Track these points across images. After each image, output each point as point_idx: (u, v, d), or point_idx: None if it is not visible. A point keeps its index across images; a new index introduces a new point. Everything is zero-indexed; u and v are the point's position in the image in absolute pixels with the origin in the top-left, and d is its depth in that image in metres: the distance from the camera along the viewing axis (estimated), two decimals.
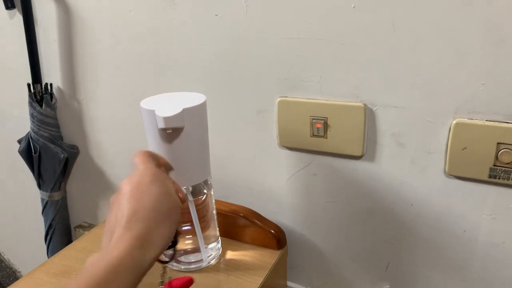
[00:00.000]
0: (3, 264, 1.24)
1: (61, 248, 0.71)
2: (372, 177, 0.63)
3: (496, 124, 0.53)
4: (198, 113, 0.56)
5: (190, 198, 0.61)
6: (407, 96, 0.57)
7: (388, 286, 0.69)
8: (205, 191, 0.63)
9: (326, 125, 0.63)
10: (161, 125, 0.53)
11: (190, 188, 0.61)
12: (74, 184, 0.96)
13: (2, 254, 1.24)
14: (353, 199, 0.66)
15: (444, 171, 0.58)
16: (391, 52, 0.56)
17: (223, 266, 0.66)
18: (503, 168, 0.54)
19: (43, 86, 0.86)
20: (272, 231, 0.69)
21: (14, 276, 1.25)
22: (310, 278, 0.76)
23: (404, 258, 0.66)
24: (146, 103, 0.56)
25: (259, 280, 0.62)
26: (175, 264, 0.65)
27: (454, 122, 0.55)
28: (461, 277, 0.63)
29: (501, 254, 0.59)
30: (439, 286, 0.65)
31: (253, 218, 0.70)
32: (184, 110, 0.54)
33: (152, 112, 0.54)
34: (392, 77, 0.57)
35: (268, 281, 0.64)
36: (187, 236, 0.64)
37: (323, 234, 0.71)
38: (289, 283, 0.76)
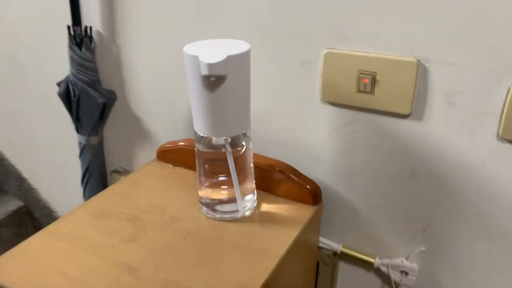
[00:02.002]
0: (40, 203, 1.29)
1: (97, 192, 0.72)
2: (418, 137, 0.61)
3: None
4: (242, 61, 0.54)
5: (228, 149, 0.60)
6: (466, 53, 0.54)
7: (423, 248, 0.68)
8: (243, 143, 0.62)
9: (374, 81, 0.60)
10: (205, 71, 0.52)
11: (229, 139, 0.60)
12: (111, 130, 0.97)
13: (40, 194, 1.29)
14: (396, 159, 0.64)
15: (497, 135, 0.55)
16: (450, 3, 0.52)
17: (258, 218, 0.66)
18: None
19: (82, 29, 0.86)
20: (308, 187, 0.68)
21: (51, 215, 1.30)
22: (343, 236, 0.75)
23: (444, 223, 0.64)
24: (190, 49, 0.55)
25: (294, 233, 0.62)
26: (210, 212, 0.65)
27: None
28: (502, 245, 0.61)
29: None
30: (477, 252, 0.64)
31: (289, 172, 0.69)
32: (229, 58, 0.52)
33: (195, 58, 0.53)
34: (451, 31, 0.53)
35: (302, 236, 0.64)
36: (223, 187, 0.64)
37: (360, 193, 0.70)
38: (322, 239, 0.76)
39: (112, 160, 1.01)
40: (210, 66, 0.51)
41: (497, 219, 0.60)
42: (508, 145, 0.55)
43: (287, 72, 0.68)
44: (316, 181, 0.71)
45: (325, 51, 0.62)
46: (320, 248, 0.77)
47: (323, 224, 0.76)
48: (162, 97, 0.84)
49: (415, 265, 0.69)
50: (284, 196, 0.70)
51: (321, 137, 0.69)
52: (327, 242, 0.76)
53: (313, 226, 0.69)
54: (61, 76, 0.94)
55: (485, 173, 0.58)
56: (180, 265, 0.56)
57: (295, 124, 0.71)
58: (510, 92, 0.52)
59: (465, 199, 0.61)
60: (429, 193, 0.64)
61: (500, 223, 0.60)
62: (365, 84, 0.61)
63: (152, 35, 0.79)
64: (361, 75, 0.60)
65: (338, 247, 0.75)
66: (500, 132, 0.54)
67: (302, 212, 0.67)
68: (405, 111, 0.59)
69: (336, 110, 0.66)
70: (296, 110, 0.70)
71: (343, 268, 0.79)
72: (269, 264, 0.56)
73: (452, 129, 0.58)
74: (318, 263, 0.79)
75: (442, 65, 0.56)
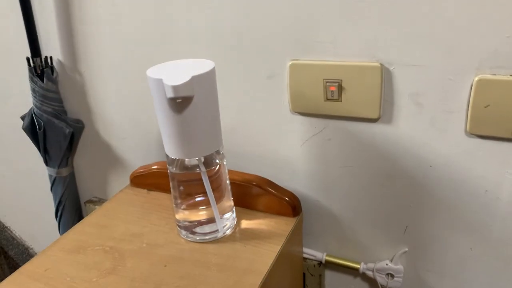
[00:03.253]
0: (15, 241, 1.25)
1: (72, 224, 0.70)
2: (389, 140, 0.61)
3: None
4: (207, 80, 0.54)
5: (203, 169, 0.59)
6: (426, 54, 0.54)
7: (406, 249, 0.68)
8: (217, 161, 0.61)
9: (340, 88, 0.60)
10: (170, 94, 0.51)
11: (202, 159, 0.59)
12: (82, 159, 0.95)
13: (14, 232, 1.24)
14: (370, 163, 0.64)
15: (465, 131, 0.56)
16: (408, 6, 0.53)
17: (239, 235, 0.65)
18: None
19: (43, 60, 0.84)
20: (287, 199, 0.68)
21: (27, 253, 1.25)
22: (326, 244, 0.75)
23: (423, 221, 0.65)
24: (153, 72, 0.54)
25: (277, 248, 0.61)
26: (190, 235, 0.64)
27: (477, 78, 0.53)
28: (480, 238, 0.62)
29: None
30: (458, 248, 0.64)
31: (266, 186, 0.69)
32: (194, 78, 0.51)
33: (159, 81, 0.52)
34: (410, 34, 0.54)
35: (286, 249, 0.63)
36: (201, 207, 0.63)
37: (338, 200, 0.70)
38: (306, 250, 0.76)
39: (86, 190, 0.99)
40: (175, 88, 0.50)
41: (473, 212, 0.61)
42: (476, 139, 0.56)
43: (254, 86, 0.67)
44: (294, 192, 0.70)
45: (290, 62, 0.62)
46: (305, 259, 0.77)
47: (306, 235, 0.76)
48: (131, 121, 0.83)
49: (400, 267, 0.69)
50: (264, 210, 0.69)
51: (294, 148, 0.69)
52: (311, 252, 0.76)
53: (295, 238, 0.69)
54: (25, 109, 0.91)
55: (457, 169, 0.59)
56: None
57: (268, 137, 0.70)
58: (472, 88, 0.53)
59: (441, 196, 0.62)
60: (406, 194, 0.64)
61: (477, 216, 0.61)
62: (332, 92, 0.61)
63: (116, 60, 0.78)
64: (328, 84, 0.61)
65: (322, 256, 0.75)
66: (468, 127, 0.55)
67: (283, 225, 0.66)
68: (374, 115, 0.60)
69: (306, 119, 0.66)
70: (267, 123, 0.69)
71: (329, 276, 0.78)
72: (254, 283, 0.55)
73: (421, 129, 0.59)
74: (304, 275, 0.78)
75: (405, 67, 0.56)
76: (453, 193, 0.61)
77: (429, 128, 0.58)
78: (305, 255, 0.76)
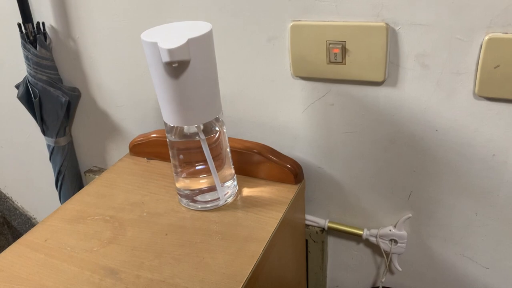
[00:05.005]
0: (17, 211, 1.25)
1: (73, 193, 0.69)
2: (394, 104, 0.59)
3: None
4: (204, 43, 0.51)
5: (202, 136, 0.58)
6: (433, 12, 0.52)
7: (410, 215, 0.67)
8: (217, 128, 0.60)
9: (344, 50, 0.58)
10: (166, 58, 0.49)
11: (202, 126, 0.57)
12: (80, 128, 0.93)
13: (16, 202, 1.24)
14: (374, 128, 0.63)
15: (473, 93, 0.54)
16: None
17: (240, 203, 0.64)
18: None
19: (34, 26, 0.81)
20: (289, 166, 0.66)
21: (29, 222, 1.26)
22: (328, 211, 0.74)
23: (428, 187, 0.64)
24: (148, 35, 0.52)
25: (279, 215, 0.60)
26: (191, 204, 0.63)
27: (487, 37, 0.50)
28: (487, 203, 0.61)
29: None
30: (463, 213, 0.63)
31: (268, 153, 0.67)
32: (190, 41, 0.49)
33: (154, 45, 0.49)
34: None
35: (288, 216, 0.62)
36: (202, 176, 0.62)
37: (341, 166, 0.69)
38: (308, 217, 0.75)
39: (85, 159, 0.98)
40: (170, 52, 0.48)
41: (479, 177, 0.59)
42: (485, 102, 0.54)
43: (254, 50, 0.65)
44: (296, 159, 0.69)
45: (291, 23, 0.60)
46: (307, 226, 0.76)
47: (308, 202, 0.75)
48: (129, 88, 0.81)
49: (403, 232, 0.68)
50: (265, 178, 0.68)
51: (296, 114, 0.67)
52: (313, 219, 0.75)
53: (297, 205, 0.68)
54: (19, 78, 0.89)
55: (464, 133, 0.57)
56: (164, 263, 0.53)
57: (269, 103, 0.68)
58: (482, 48, 0.51)
59: (446, 160, 0.60)
60: (410, 159, 0.63)
61: (483, 181, 0.59)
62: (335, 55, 0.58)
63: (110, 25, 0.75)
64: (331, 46, 0.58)
65: (325, 223, 0.74)
66: (476, 89, 0.53)
67: (284, 193, 0.65)
68: (379, 78, 0.58)
69: (308, 84, 0.64)
70: (268, 88, 0.67)
71: (332, 243, 0.78)
72: (256, 250, 0.54)
73: (427, 92, 0.57)
74: (307, 241, 0.78)
75: (412, 27, 0.54)
76: (459, 157, 0.59)
77: (436, 90, 0.56)
78: (307, 222, 0.76)
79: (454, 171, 0.61)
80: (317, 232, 0.75)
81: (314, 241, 0.76)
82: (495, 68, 0.51)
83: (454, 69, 0.54)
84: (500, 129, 0.55)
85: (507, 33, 0.49)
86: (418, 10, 0.52)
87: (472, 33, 0.51)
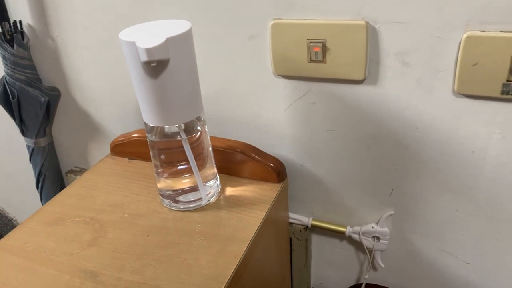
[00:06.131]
0: None
1: (54, 194, 0.68)
2: (375, 102, 0.60)
3: (511, 35, 0.49)
4: (184, 42, 0.51)
5: (183, 136, 0.57)
6: (413, 10, 0.52)
7: (392, 211, 0.68)
8: (198, 127, 0.59)
9: (324, 48, 0.58)
10: (144, 58, 0.48)
11: (183, 126, 0.57)
12: (60, 129, 0.91)
13: None
14: (356, 126, 0.63)
15: (453, 90, 0.54)
16: None
17: (223, 203, 0.63)
18: None
19: (11, 24, 0.79)
20: (272, 165, 0.66)
21: (11, 224, 1.24)
22: (312, 209, 0.74)
23: (409, 183, 0.64)
24: (126, 35, 0.51)
25: (262, 214, 0.60)
26: (173, 204, 0.62)
27: (465, 35, 0.50)
28: (467, 199, 0.61)
29: (509, 173, 0.57)
30: (444, 209, 0.64)
31: (251, 152, 0.67)
32: (168, 40, 0.48)
33: (132, 44, 0.49)
34: None
35: (271, 215, 0.62)
36: (184, 175, 0.61)
37: (324, 164, 0.69)
38: (291, 215, 0.75)
39: (66, 160, 0.96)
40: (148, 51, 0.47)
41: (457, 174, 0.60)
42: (464, 99, 0.55)
43: (236, 48, 0.64)
44: (279, 157, 0.69)
45: (272, 22, 0.59)
46: (291, 224, 0.76)
47: (291, 200, 0.75)
48: (109, 88, 0.80)
49: (386, 229, 0.69)
50: (248, 177, 0.68)
51: (279, 112, 0.67)
52: (297, 217, 0.75)
53: (280, 204, 0.68)
54: None
55: (444, 130, 0.58)
56: (145, 264, 0.53)
57: (251, 102, 0.68)
58: (461, 46, 0.51)
59: (427, 157, 0.61)
60: (392, 156, 0.63)
61: (463, 178, 0.60)
62: (316, 53, 0.58)
63: (89, 23, 0.74)
64: (311, 44, 0.58)
65: (308, 220, 0.74)
66: (455, 87, 0.54)
67: (267, 191, 0.65)
68: (359, 76, 0.58)
69: (290, 82, 0.64)
70: (250, 87, 0.67)
71: (316, 240, 0.78)
72: (239, 250, 0.54)
73: (408, 90, 0.57)
74: (291, 239, 0.78)
75: (391, 25, 0.54)
76: (439, 154, 0.60)
77: (416, 88, 0.56)
78: (291, 220, 0.76)
79: (434, 168, 0.61)
80: (300, 230, 0.76)
81: (298, 239, 0.77)
82: (473, 65, 0.51)
83: (434, 66, 0.54)
84: (479, 126, 0.55)
85: (484, 31, 0.50)
86: (398, 8, 0.52)
87: (451, 31, 0.51)
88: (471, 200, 0.61)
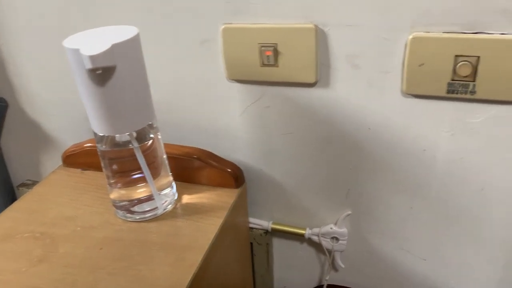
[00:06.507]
0: None
1: (4, 209, 0.65)
2: (328, 104, 0.60)
3: (454, 35, 0.50)
4: (130, 48, 0.50)
5: (135, 144, 0.56)
6: (360, 13, 0.53)
7: (349, 212, 0.68)
8: (151, 135, 0.58)
9: (276, 52, 0.58)
10: (88, 65, 0.46)
11: (134, 134, 0.55)
12: (10, 141, 0.88)
13: None
14: (310, 129, 0.63)
15: (402, 91, 0.56)
16: None
17: (180, 211, 0.62)
18: (461, 82, 0.52)
19: None
20: (229, 170, 0.65)
21: None
22: (272, 212, 0.74)
23: (364, 183, 0.65)
24: (70, 42, 0.49)
25: (219, 221, 0.59)
26: (128, 215, 0.60)
27: (411, 37, 0.52)
28: (421, 196, 0.63)
29: (459, 170, 0.59)
30: (399, 207, 0.65)
31: (207, 158, 0.66)
32: (114, 46, 0.47)
33: (76, 52, 0.47)
34: None
35: (229, 221, 0.61)
36: (138, 185, 0.60)
37: (281, 167, 0.69)
38: (251, 219, 0.75)
39: (18, 173, 0.92)
40: (92, 58, 0.46)
41: (410, 173, 0.61)
42: (412, 99, 0.56)
43: (188, 53, 0.63)
44: (236, 162, 0.68)
45: (223, 26, 0.59)
46: (251, 228, 0.76)
47: (251, 205, 0.75)
48: (59, 97, 0.77)
49: (344, 230, 0.69)
50: (206, 183, 0.67)
51: (234, 117, 0.67)
52: (257, 222, 0.75)
53: (239, 209, 0.67)
54: None
55: (395, 130, 0.59)
56: (98, 278, 0.51)
57: (206, 107, 0.67)
58: (407, 47, 0.52)
59: (380, 157, 0.62)
60: (346, 157, 0.64)
61: (416, 176, 0.61)
62: (268, 57, 0.58)
63: (35, 30, 0.71)
64: (263, 48, 0.58)
65: (268, 224, 0.74)
66: (404, 87, 0.55)
67: (225, 197, 0.64)
68: (311, 79, 0.58)
69: (244, 87, 0.63)
70: (204, 92, 0.66)
71: (277, 244, 0.78)
72: (194, 259, 0.53)
73: (359, 92, 0.58)
74: (252, 244, 0.77)
75: (340, 28, 0.54)
76: (392, 154, 0.61)
77: (367, 90, 0.57)
78: (251, 225, 0.75)
79: (388, 168, 0.62)
80: (261, 235, 0.75)
81: (259, 244, 0.76)
82: (419, 66, 0.53)
83: (383, 68, 0.55)
84: (428, 125, 0.57)
85: (429, 32, 0.51)
86: (346, 11, 0.53)
87: (397, 33, 0.52)
88: (424, 197, 0.63)
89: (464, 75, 0.51)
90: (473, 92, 0.52)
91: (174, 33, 0.62)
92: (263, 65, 0.59)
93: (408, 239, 0.68)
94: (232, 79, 0.63)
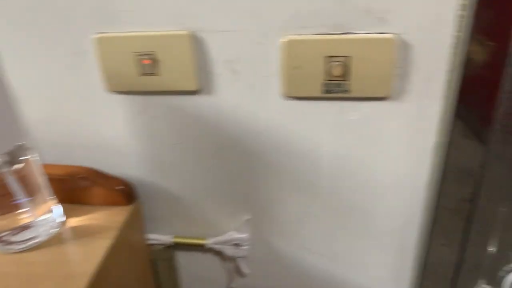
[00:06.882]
0: None
1: None
2: (213, 111, 0.59)
3: (324, 37, 0.52)
4: None
5: (5, 169, 0.51)
6: (233, 18, 0.52)
7: (249, 216, 0.68)
8: (24, 157, 0.53)
9: (155, 61, 0.56)
10: None
11: (2, 158, 0.51)
12: None
13: None
14: (200, 137, 0.62)
15: (281, 94, 0.56)
16: None
17: (66, 236, 0.58)
18: (335, 82, 0.54)
19: None
20: (118, 187, 0.63)
21: None
22: (171, 226, 0.72)
23: (260, 187, 0.65)
24: None
25: (107, 242, 0.56)
26: (5, 247, 0.55)
27: (283, 40, 0.52)
28: (314, 195, 0.64)
29: (345, 166, 0.61)
30: (296, 207, 0.66)
31: (94, 177, 0.63)
32: None
33: None
34: None
35: (121, 241, 0.58)
36: (14, 213, 0.55)
37: (176, 179, 0.67)
38: (151, 236, 0.72)
39: None
40: None
41: (301, 173, 0.62)
42: (293, 101, 0.57)
43: (62, 66, 0.59)
44: (127, 178, 0.66)
45: (96, 36, 0.56)
46: (151, 245, 0.73)
47: (149, 220, 0.72)
48: None
49: (245, 235, 0.69)
50: (96, 203, 0.63)
51: (120, 130, 0.63)
52: (157, 237, 0.72)
53: (133, 227, 0.64)
54: None
55: (281, 133, 0.59)
56: None
57: (88, 122, 0.63)
58: (281, 50, 0.53)
59: (271, 160, 0.62)
60: (240, 163, 0.63)
61: (306, 176, 0.62)
62: (146, 66, 0.56)
63: None
64: (140, 57, 0.56)
65: (169, 239, 0.71)
66: (283, 91, 0.56)
67: (116, 216, 0.61)
68: (192, 87, 0.57)
69: (126, 98, 0.60)
70: (85, 107, 0.62)
71: (181, 257, 0.76)
72: (79, 286, 0.49)
73: (242, 97, 0.58)
74: (153, 260, 0.74)
75: (216, 34, 0.54)
76: (282, 156, 0.61)
77: (249, 94, 0.57)
78: (151, 241, 0.72)
79: (280, 169, 0.63)
80: (163, 250, 0.73)
81: (162, 259, 0.73)
82: (295, 68, 0.54)
83: (262, 72, 0.55)
84: (310, 126, 0.58)
85: (301, 34, 0.52)
86: (219, 16, 0.53)
87: (270, 37, 0.53)
88: (317, 195, 0.64)
89: (337, 75, 0.53)
90: (348, 91, 0.54)
91: (46, 45, 0.58)
92: (143, 75, 0.57)
93: (307, 237, 0.69)
94: (113, 91, 0.60)
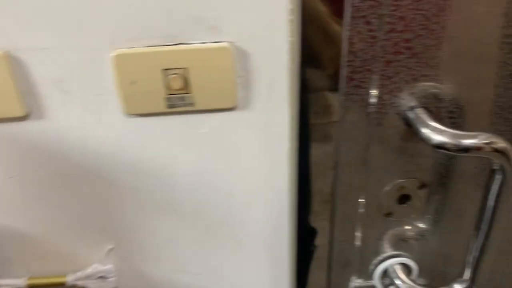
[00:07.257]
0: None
1: None
2: (48, 137, 0.53)
3: (157, 49, 0.48)
4: None
5: None
6: (53, 33, 0.47)
7: (112, 246, 0.63)
8: None
9: None
10: None
11: None
12: None
13: None
14: (38, 167, 0.55)
15: (122, 112, 0.52)
16: None
17: None
18: (178, 95, 0.51)
19: None
20: None
21: None
22: (26, 267, 0.64)
23: (118, 213, 0.60)
24: None
25: None
26: None
27: (114, 54, 0.48)
28: (176, 214, 0.61)
29: (204, 181, 0.58)
30: (161, 229, 0.62)
31: None
32: None
33: None
34: (27, 14, 0.46)
35: None
36: None
37: (21, 216, 0.59)
38: (2, 281, 0.63)
39: None
40: None
41: (158, 193, 0.58)
42: (137, 119, 0.53)
43: None
44: None
45: None
46: None
47: (0, 264, 0.63)
48: None
49: (109, 266, 0.64)
50: None
51: None
52: (9, 282, 0.63)
53: None
54: None
55: (130, 153, 0.55)
56: None
57: None
58: (113, 66, 0.49)
59: (124, 183, 0.57)
60: (91, 190, 0.58)
61: (163, 196, 0.59)
62: None
63: None
64: None
65: (23, 282, 0.63)
66: (123, 108, 0.51)
67: None
68: (18, 113, 0.50)
69: None
70: None
71: None
72: None
73: (78, 119, 0.52)
74: None
75: (36, 53, 0.48)
76: (135, 178, 0.57)
77: (86, 115, 0.52)
78: (3, 287, 0.64)
79: (137, 192, 0.58)
80: None
81: None
82: (131, 84, 0.50)
83: (95, 90, 0.50)
84: (160, 143, 0.55)
85: (132, 47, 0.48)
86: (36, 33, 0.47)
87: (99, 52, 0.48)
88: (181, 214, 0.61)
89: (178, 88, 0.50)
90: (192, 104, 0.51)
91: None
92: None
93: (180, 258, 0.65)
94: None
